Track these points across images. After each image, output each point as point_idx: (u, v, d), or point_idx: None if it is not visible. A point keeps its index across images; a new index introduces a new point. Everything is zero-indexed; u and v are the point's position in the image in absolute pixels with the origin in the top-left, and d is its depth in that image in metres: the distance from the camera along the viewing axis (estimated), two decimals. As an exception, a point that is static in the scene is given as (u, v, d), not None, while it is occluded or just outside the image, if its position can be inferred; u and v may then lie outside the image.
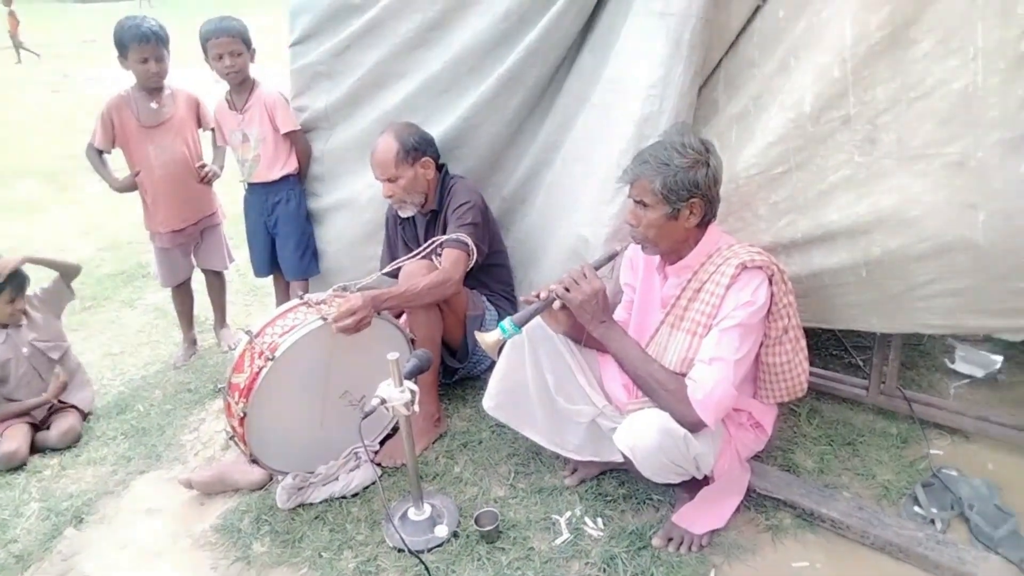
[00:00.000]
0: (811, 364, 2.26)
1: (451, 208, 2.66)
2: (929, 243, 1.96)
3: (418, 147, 2.64)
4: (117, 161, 3.21)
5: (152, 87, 3.12)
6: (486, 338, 2.04)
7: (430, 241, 2.62)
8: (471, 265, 2.60)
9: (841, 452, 2.45)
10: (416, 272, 2.53)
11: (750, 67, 2.26)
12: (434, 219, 2.77)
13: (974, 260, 1.93)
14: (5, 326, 2.87)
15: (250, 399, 2.26)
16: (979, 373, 2.80)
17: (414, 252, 2.62)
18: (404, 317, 2.69)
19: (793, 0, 2.10)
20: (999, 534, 2.03)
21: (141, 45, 3.00)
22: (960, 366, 2.85)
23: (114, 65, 3.25)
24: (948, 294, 2.04)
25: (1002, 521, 2.07)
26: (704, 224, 2.00)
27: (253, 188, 3.24)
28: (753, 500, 2.25)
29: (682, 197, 1.91)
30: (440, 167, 2.75)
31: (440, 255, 2.61)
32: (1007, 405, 2.62)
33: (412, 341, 2.55)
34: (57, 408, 2.95)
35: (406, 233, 2.89)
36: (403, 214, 2.75)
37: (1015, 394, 2.70)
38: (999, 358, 2.82)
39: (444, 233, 2.63)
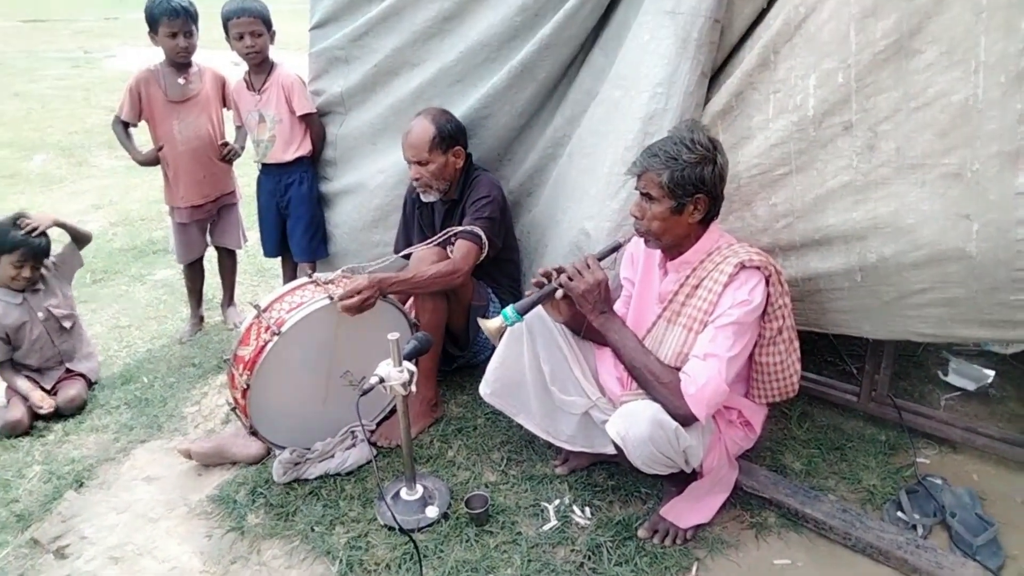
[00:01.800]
0: (805, 369, 2.28)
1: (471, 200, 2.67)
2: (923, 252, 1.98)
3: (453, 135, 2.64)
4: (141, 136, 3.26)
5: (180, 62, 3.17)
6: (488, 324, 2.07)
7: (446, 231, 2.63)
8: (482, 258, 2.62)
9: (829, 456, 2.47)
10: (427, 258, 2.55)
11: (728, 63, 2.28)
12: (453, 208, 2.78)
13: (967, 270, 1.94)
14: (22, 290, 2.90)
15: (254, 372, 2.30)
16: (971, 386, 2.81)
17: (429, 240, 2.63)
18: (411, 302, 2.72)
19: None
20: (979, 542, 2.05)
21: (171, 20, 3.04)
22: (953, 379, 2.87)
23: (133, 42, 3.31)
24: (940, 303, 2.05)
25: (982, 530, 2.09)
26: (707, 221, 2.02)
27: (267, 169, 3.28)
28: (739, 497, 2.27)
29: (688, 192, 1.93)
30: (466, 157, 2.76)
31: (453, 244, 2.64)
32: (996, 418, 2.64)
33: (415, 326, 2.58)
34: (64, 376, 3.00)
35: (423, 218, 2.90)
36: (426, 199, 2.75)
37: (1005, 408, 2.72)
38: (991, 372, 2.84)
39: (461, 223, 2.64)
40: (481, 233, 2.58)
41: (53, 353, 2.98)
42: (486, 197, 2.64)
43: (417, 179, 2.68)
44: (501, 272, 2.85)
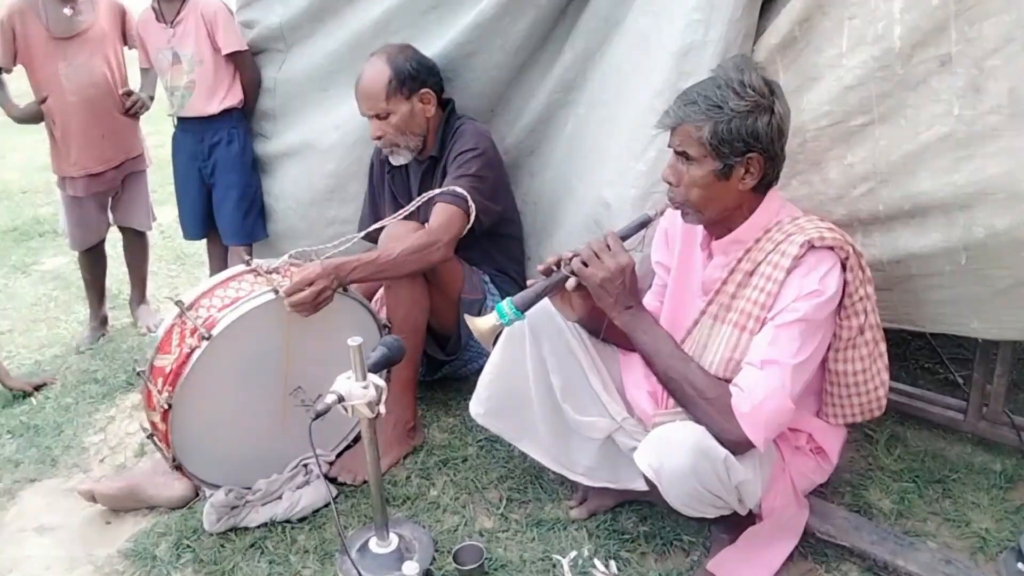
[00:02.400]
0: (895, 379, 2.30)
1: (452, 155, 2.70)
2: (1049, 224, 1.99)
3: (417, 75, 2.67)
4: (18, 83, 3.28)
5: (66, -13, 3.20)
6: (479, 323, 2.08)
7: (421, 197, 2.65)
8: (469, 226, 2.63)
9: (928, 491, 2.49)
10: (399, 235, 2.56)
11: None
12: (432, 168, 2.81)
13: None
14: None
15: (177, 388, 2.31)
16: (1115, 401, 2.84)
17: (402, 210, 2.65)
18: (380, 294, 2.75)
19: None
20: None
21: None
22: (1091, 391, 2.90)
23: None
24: (1072, 292, 2.07)
25: None
26: (763, 188, 2.03)
27: (186, 125, 3.31)
28: (811, 547, 2.29)
29: (737, 150, 1.93)
30: (445, 103, 2.79)
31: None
32: None
33: (386, 327, 2.61)
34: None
35: (395, 185, 2.93)
36: (395, 161, 2.79)
37: None
38: None
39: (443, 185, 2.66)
40: (465, 193, 2.60)
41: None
42: (472, 150, 2.67)
43: (379, 137, 2.72)
44: (502, 252, 2.89)
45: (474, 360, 2.92)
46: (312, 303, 2.36)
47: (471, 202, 2.61)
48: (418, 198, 2.66)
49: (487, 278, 2.85)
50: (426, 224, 2.64)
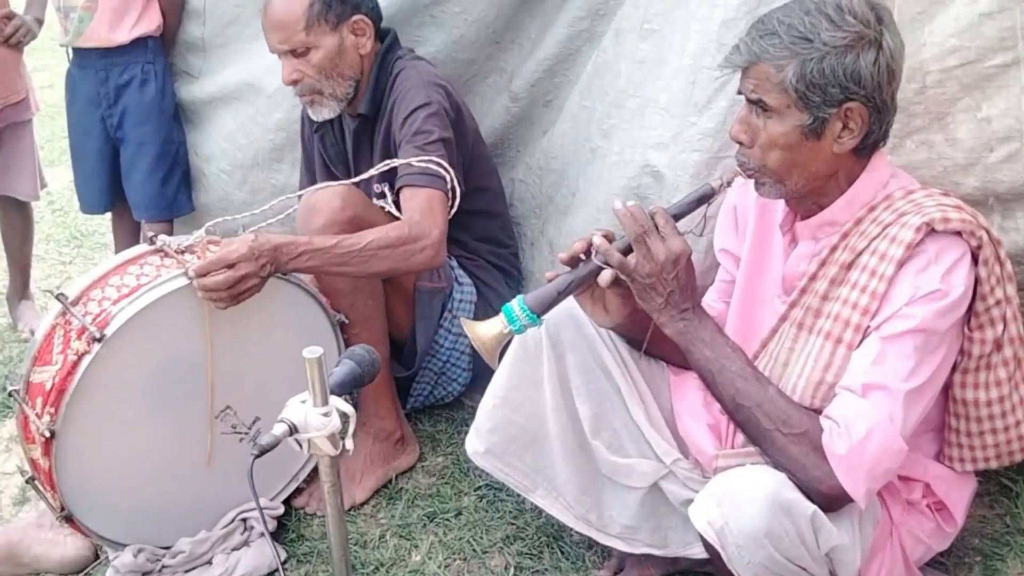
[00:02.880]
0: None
1: (399, 113, 2.69)
2: None
3: None
4: None
5: None
6: (480, 331, 2.06)
7: (382, 164, 2.64)
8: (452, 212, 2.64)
9: (1085, 562, 2.50)
10: (322, 207, 2.55)
11: None
12: (368, 127, 2.84)
13: None
14: None
15: (61, 409, 2.29)
16: None
17: (351, 180, 2.66)
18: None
19: None
20: None
21: None
22: None
23: None
24: None
25: None
26: (866, 150, 2.02)
27: (84, 59, 3.32)
28: (929, 637, 2.30)
29: (831, 99, 1.91)
30: (383, 35, 2.80)
31: (380, 194, 2.68)
32: None
33: (342, 326, 2.61)
34: None
35: (327, 149, 2.97)
36: (316, 115, 2.81)
37: None
38: None
39: (388, 151, 2.68)
40: (446, 171, 2.59)
41: None
42: (424, 106, 2.66)
43: (294, 81, 2.73)
44: (472, 233, 2.93)
45: (451, 375, 2.92)
46: (228, 292, 2.32)
47: (451, 179, 2.60)
48: (378, 166, 2.64)
49: (454, 262, 2.87)
50: (377, 200, 2.67)
